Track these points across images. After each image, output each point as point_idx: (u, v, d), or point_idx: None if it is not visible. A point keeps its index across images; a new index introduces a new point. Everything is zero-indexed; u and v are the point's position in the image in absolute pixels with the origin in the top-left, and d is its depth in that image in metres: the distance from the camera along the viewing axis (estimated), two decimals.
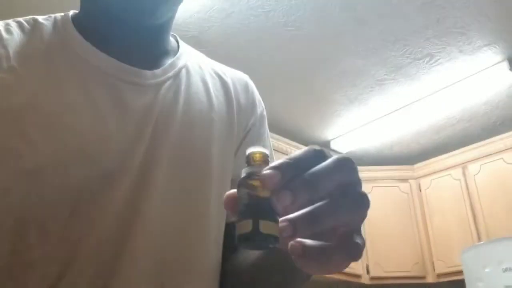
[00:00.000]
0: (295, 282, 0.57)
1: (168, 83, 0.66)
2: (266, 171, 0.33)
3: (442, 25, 2.66)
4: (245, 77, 0.80)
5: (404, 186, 4.08)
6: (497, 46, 2.84)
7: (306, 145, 3.79)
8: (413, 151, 4.17)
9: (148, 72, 0.65)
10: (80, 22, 0.66)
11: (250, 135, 0.75)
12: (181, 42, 0.75)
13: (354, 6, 2.52)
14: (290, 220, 0.33)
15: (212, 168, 0.65)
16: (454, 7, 2.51)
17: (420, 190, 4.04)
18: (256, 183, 0.34)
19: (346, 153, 4.14)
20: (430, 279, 3.74)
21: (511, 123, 3.65)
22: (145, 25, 0.66)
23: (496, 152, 3.62)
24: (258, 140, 0.76)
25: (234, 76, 0.78)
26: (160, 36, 0.70)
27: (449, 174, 3.86)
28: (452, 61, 2.98)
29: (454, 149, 3.88)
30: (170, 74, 0.67)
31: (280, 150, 3.56)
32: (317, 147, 0.37)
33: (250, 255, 0.63)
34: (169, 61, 0.69)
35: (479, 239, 3.47)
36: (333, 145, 4.02)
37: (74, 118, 0.57)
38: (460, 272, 3.03)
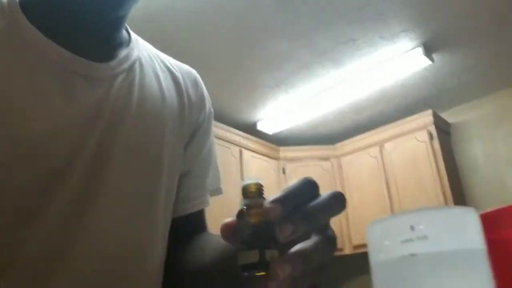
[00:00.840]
0: None
1: (122, 76, 0.64)
2: (269, 204, 0.37)
3: (364, 12, 2.74)
4: (193, 72, 0.79)
5: (326, 164, 4.25)
6: (413, 32, 2.99)
7: (233, 127, 3.79)
8: (336, 131, 4.34)
9: (102, 65, 0.61)
10: (30, 8, 0.60)
11: (200, 131, 0.75)
12: (131, 32, 0.72)
13: None
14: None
15: (163, 166, 0.64)
16: None
17: (341, 168, 4.23)
18: (258, 214, 0.37)
19: (273, 134, 4.20)
20: (347, 251, 3.99)
21: (424, 104, 3.91)
22: (107, 17, 0.62)
23: (410, 131, 3.88)
24: (207, 136, 0.77)
25: (183, 70, 0.77)
26: (118, 28, 0.67)
27: (368, 153, 4.08)
28: (373, 46, 3.10)
29: (373, 129, 4.09)
30: (125, 66, 0.65)
31: None
32: (312, 179, 0.40)
33: (199, 257, 0.64)
34: (123, 52, 0.66)
35: (393, 212, 3.72)
36: (259, 127, 4.07)
37: (21, 112, 0.53)
38: None
